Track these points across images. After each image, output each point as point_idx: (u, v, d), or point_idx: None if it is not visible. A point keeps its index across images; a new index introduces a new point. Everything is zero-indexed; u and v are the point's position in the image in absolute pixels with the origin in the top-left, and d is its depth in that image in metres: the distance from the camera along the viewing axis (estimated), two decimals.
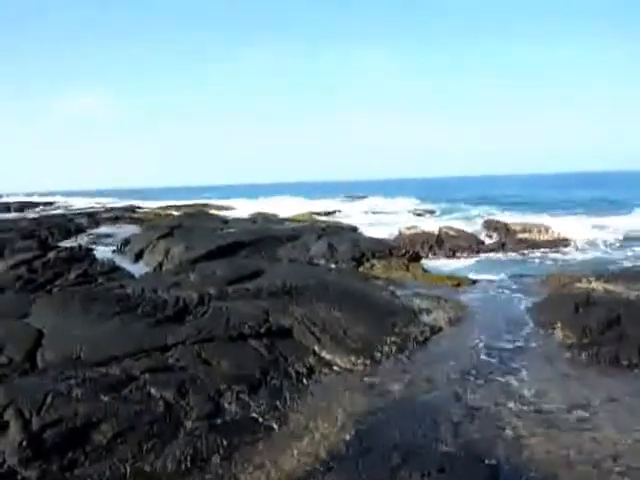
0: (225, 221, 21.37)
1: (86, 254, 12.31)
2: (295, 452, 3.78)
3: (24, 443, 3.55)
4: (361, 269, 11.00)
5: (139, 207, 36.82)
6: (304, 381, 5.07)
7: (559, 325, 6.37)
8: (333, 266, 11.09)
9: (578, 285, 8.32)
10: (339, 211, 29.12)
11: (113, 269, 10.56)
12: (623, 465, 3.52)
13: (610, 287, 7.91)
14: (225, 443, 3.89)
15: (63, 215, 29.72)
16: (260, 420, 4.28)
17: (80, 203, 50.07)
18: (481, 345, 5.97)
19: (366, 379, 5.14)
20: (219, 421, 4.20)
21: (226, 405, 4.43)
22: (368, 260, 11.42)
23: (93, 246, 15.08)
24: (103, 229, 21.19)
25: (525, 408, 4.39)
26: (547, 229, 15.56)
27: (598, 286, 8.07)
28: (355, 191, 52.94)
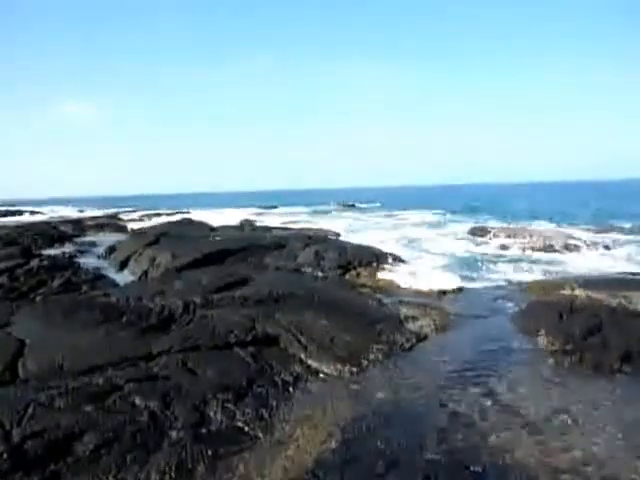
0: (212, 229, 21.30)
1: (70, 262, 12.18)
2: (281, 461, 3.76)
3: (4, 455, 3.48)
4: (347, 277, 11.03)
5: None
6: (290, 389, 5.06)
7: (543, 332, 6.45)
8: (320, 274, 11.10)
9: (561, 292, 8.44)
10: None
11: (97, 277, 10.46)
12: (606, 471, 3.57)
13: (593, 294, 8.04)
14: (210, 453, 3.86)
15: (47, 222, 29.31)
16: (246, 429, 4.25)
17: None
18: (466, 352, 6.02)
19: (352, 386, 5.14)
20: (204, 430, 4.17)
21: (211, 414, 4.40)
22: (355, 268, 11.46)
23: (77, 254, 14.90)
24: (88, 237, 20.95)
25: (509, 414, 4.43)
26: None
27: (581, 293, 8.19)
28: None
